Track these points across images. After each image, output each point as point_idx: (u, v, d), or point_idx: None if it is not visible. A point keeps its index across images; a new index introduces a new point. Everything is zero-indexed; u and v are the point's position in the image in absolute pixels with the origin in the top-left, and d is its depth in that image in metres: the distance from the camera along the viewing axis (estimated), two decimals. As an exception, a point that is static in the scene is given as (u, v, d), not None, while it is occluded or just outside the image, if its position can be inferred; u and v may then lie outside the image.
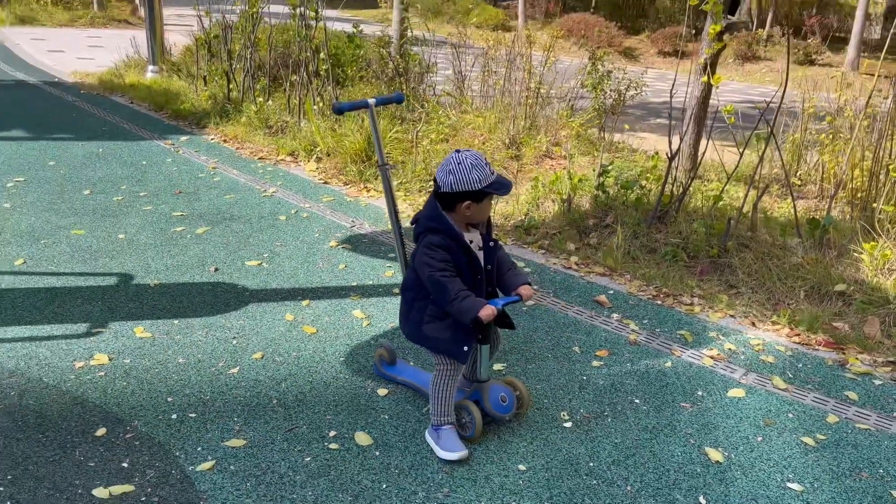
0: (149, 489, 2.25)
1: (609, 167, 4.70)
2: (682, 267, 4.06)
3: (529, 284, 2.50)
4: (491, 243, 2.49)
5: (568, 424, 2.71)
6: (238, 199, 5.14)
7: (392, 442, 2.55)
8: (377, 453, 2.49)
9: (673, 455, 2.55)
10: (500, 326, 2.60)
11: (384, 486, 2.33)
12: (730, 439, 2.65)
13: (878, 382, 3.08)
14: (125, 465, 2.35)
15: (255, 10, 7.02)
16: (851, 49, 15.73)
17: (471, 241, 2.42)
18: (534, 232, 4.57)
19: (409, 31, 7.45)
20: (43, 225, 4.43)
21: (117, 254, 4.06)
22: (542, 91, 6.35)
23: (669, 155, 4.26)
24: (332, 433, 2.58)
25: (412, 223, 2.50)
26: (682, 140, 4.69)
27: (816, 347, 3.35)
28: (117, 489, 2.24)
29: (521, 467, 2.45)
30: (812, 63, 16.71)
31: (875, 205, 4.17)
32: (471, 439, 2.53)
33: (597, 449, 2.57)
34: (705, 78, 4.69)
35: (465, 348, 2.43)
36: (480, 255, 2.45)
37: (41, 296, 3.51)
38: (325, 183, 5.63)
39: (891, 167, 4.11)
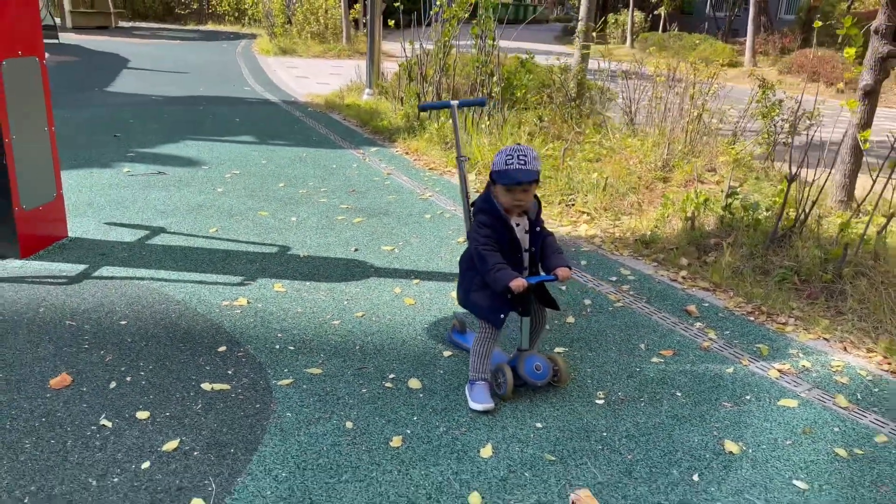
0: (239, 390, 2.91)
1: (738, 188, 4.69)
2: (790, 289, 3.98)
3: (569, 268, 2.77)
4: (537, 229, 2.80)
5: (600, 402, 2.94)
6: (398, 199, 5.87)
7: (437, 389, 2.98)
8: (421, 395, 2.93)
9: (689, 440, 2.68)
10: (544, 305, 2.91)
11: (415, 418, 2.77)
12: (756, 438, 2.71)
13: (958, 416, 2.88)
14: (230, 372, 3.05)
15: (446, 38, 7.85)
16: None
17: (517, 224, 2.76)
18: (652, 246, 4.71)
19: (588, 60, 7.80)
20: (239, 206, 5.48)
21: (286, 231, 4.94)
22: (703, 117, 6.36)
23: (789, 178, 4.19)
24: (392, 376, 3.07)
25: (470, 205, 2.94)
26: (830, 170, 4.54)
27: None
28: (218, 386, 2.93)
29: (539, 425, 2.75)
30: None
31: None
32: (503, 397, 2.88)
33: (616, 424, 2.78)
34: (849, 105, 4.52)
35: (501, 315, 2.77)
36: (526, 237, 2.79)
37: (218, 255, 4.44)
38: (478, 191, 6.18)
39: None
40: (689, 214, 4.71)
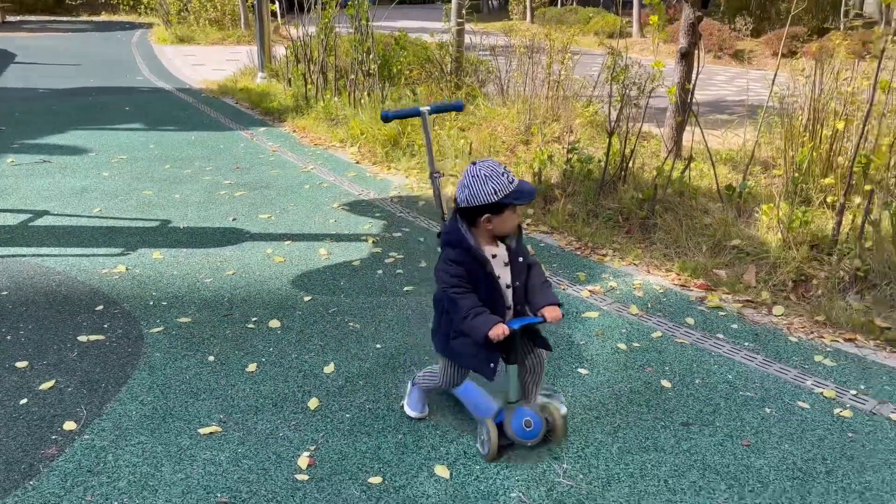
0: (113, 339, 3.28)
1: (577, 145, 5.29)
2: (614, 227, 4.60)
3: (560, 305, 2.33)
4: (520, 259, 2.33)
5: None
6: (281, 173, 6.23)
7: (294, 327, 3.42)
8: (279, 332, 3.37)
9: (502, 348, 3.22)
10: (538, 347, 2.43)
11: (271, 349, 3.20)
12: (556, 342, 3.27)
13: (721, 314, 3.53)
14: (105, 326, 3.40)
15: (326, 20, 8.18)
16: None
17: (493, 256, 2.29)
18: (506, 200, 5.27)
19: (463, 35, 8.29)
20: (124, 188, 5.73)
21: (169, 207, 5.24)
22: (562, 84, 6.96)
23: (609, 132, 4.81)
24: (255, 319, 3.49)
25: (438, 235, 2.43)
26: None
27: (691, 289, 3.82)
28: (93, 337, 3.28)
29: (378, 346, 3.23)
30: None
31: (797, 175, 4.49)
32: (485, 458, 2.45)
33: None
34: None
35: (491, 365, 2.32)
36: (506, 270, 2.31)
37: (101, 231, 4.72)
38: (358, 163, 6.61)
39: (803, 149, 4.42)
40: (535, 170, 5.28)
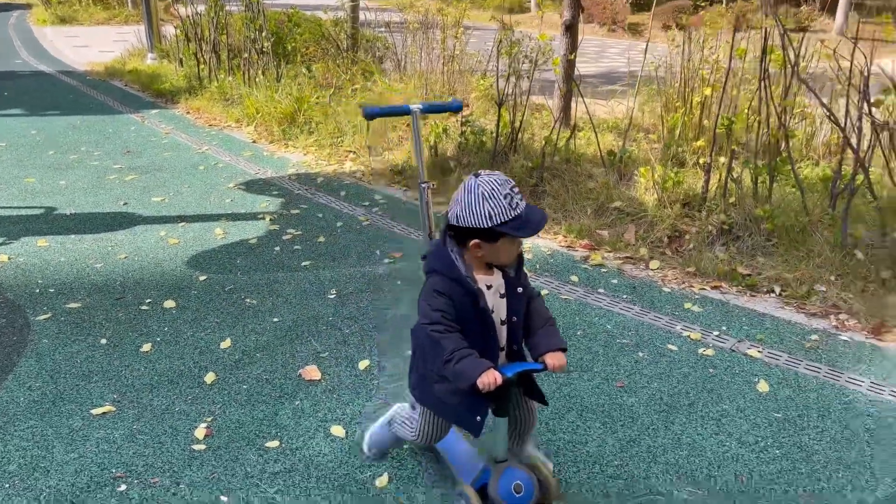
0: (-2, 328, 3.19)
1: (470, 118, 5.43)
2: (507, 195, 4.78)
3: (564, 351, 1.90)
4: (519, 289, 1.92)
5: (332, 296, 3.51)
6: (173, 155, 6.08)
7: (189, 306, 3.41)
8: (174, 312, 3.35)
9: (399, 312, 3.33)
10: (530, 397, 2.04)
11: (166, 328, 3.19)
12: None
13: (603, 270, 3.77)
14: (-11, 315, 3.30)
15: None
16: (839, 14, 15.76)
17: (488, 287, 1.88)
18: (404, 174, 5.36)
19: (358, 11, 8.27)
20: (4, 175, 5.46)
21: (54, 195, 5.05)
22: (456, 58, 7.09)
23: (498, 102, 4.99)
24: (148, 300, 3.46)
25: (422, 258, 1.98)
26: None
27: (576, 249, 4.05)
28: (-25, 328, 3.18)
29: (276, 319, 3.28)
30: (805, 30, 16.72)
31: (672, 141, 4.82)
32: None
33: (342, 310, 3.37)
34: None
35: (479, 418, 1.92)
36: (502, 303, 1.91)
37: (-20, 221, 4.52)
38: (254, 142, 6.54)
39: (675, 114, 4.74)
40: (431, 144, 5.39)
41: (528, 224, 1.78)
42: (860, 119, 3.64)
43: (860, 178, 3.66)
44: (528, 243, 4.14)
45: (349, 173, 5.59)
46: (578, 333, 3.14)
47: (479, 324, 1.87)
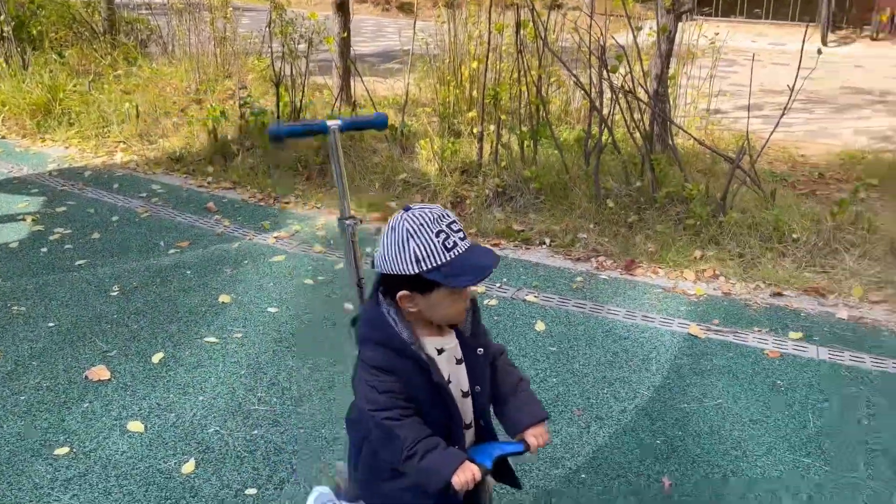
0: None
1: (249, 99, 5.32)
2: (296, 175, 4.79)
3: (545, 421, 1.54)
4: (479, 351, 1.53)
5: (115, 293, 3.32)
6: None
7: (-58, 322, 3.04)
8: (-77, 331, 2.97)
9: (191, 302, 3.23)
10: (499, 480, 1.62)
11: (-85, 350, 2.83)
12: (246, 288, 3.38)
13: (394, 239, 3.95)
14: None
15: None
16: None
17: (440, 351, 1.49)
18: (183, 161, 5.14)
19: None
20: None
21: None
22: (228, 40, 6.85)
23: (275, 82, 4.96)
24: None
25: (351, 324, 1.61)
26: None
27: (368, 222, 4.18)
28: None
29: (51, 324, 3.03)
30: (559, 7, 18.28)
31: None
32: None
33: (128, 306, 3.19)
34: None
35: None
36: (461, 370, 1.52)
37: None
38: (3, 137, 5.87)
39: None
40: (210, 128, 5.21)
41: (469, 269, 1.36)
42: (601, 84, 4.13)
43: (606, 136, 4.16)
44: (321, 221, 4.20)
45: (121, 164, 5.22)
46: (375, 300, 3.27)
47: (436, 401, 1.47)
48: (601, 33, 3.98)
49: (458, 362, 1.51)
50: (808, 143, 5.46)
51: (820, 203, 4.08)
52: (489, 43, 4.43)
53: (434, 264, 1.35)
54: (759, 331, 3.00)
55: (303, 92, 5.22)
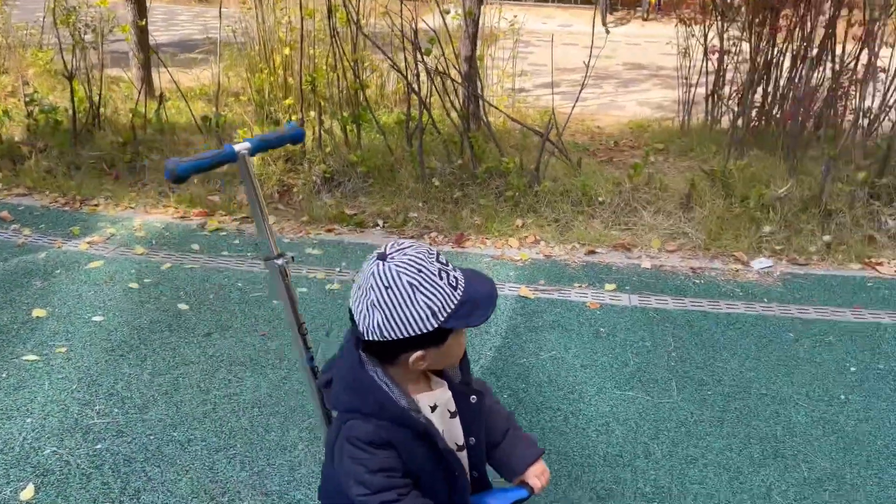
0: None
1: (35, 95, 4.85)
2: (102, 175, 4.45)
3: (542, 453, 1.45)
4: (472, 399, 1.37)
5: None
6: None
7: None
8: None
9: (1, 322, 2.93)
10: None
11: None
12: (62, 299, 3.12)
13: (223, 234, 3.84)
14: None
15: None
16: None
17: (433, 408, 1.31)
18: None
19: None
20: None
21: None
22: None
23: (68, 75, 4.58)
24: None
25: (323, 386, 1.39)
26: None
27: (191, 218, 4.01)
28: None
29: None
30: None
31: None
32: None
33: None
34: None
35: None
36: (454, 423, 1.36)
37: None
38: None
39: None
40: (-7, 130, 4.69)
41: (480, 302, 1.23)
42: (417, 67, 4.26)
43: (426, 117, 4.31)
44: (138, 221, 3.96)
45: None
46: (211, 297, 3.17)
47: (438, 469, 1.31)
48: (412, 17, 4.10)
49: (452, 416, 1.34)
50: (602, 116, 6.03)
51: (618, 168, 4.54)
52: (302, 28, 4.39)
53: (449, 311, 1.19)
54: (580, 286, 3.32)
55: (100, 86, 4.84)
